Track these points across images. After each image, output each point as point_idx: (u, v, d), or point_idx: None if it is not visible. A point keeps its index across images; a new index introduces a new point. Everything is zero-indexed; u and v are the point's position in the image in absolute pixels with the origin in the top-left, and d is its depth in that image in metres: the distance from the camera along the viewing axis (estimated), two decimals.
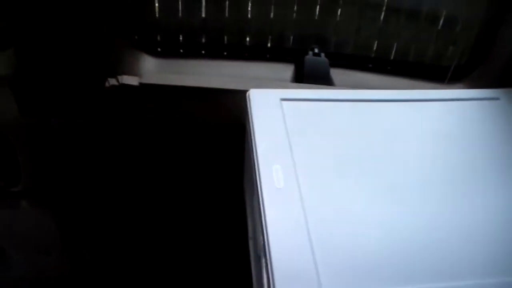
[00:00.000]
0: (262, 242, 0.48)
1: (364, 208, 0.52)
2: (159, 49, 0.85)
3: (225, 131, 0.80)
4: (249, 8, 0.83)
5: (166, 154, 0.88)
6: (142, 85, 0.75)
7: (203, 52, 0.87)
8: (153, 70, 0.83)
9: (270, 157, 0.57)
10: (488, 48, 0.82)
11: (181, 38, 0.86)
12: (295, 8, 0.83)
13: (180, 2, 0.82)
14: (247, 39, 0.87)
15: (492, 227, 0.52)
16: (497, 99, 0.70)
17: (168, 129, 0.84)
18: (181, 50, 0.87)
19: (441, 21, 0.84)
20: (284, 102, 0.66)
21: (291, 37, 0.87)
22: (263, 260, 0.48)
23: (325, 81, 0.81)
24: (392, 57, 0.88)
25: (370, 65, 0.88)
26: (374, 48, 0.87)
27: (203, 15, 0.83)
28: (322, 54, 0.83)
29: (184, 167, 0.89)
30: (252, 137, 0.60)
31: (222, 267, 0.97)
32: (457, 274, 0.47)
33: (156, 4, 0.82)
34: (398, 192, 0.55)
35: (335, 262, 0.46)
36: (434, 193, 0.56)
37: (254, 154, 0.57)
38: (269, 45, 0.87)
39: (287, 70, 0.85)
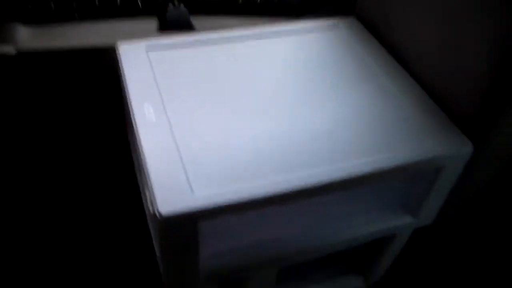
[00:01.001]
0: (142, 168, 0.61)
1: (225, 126, 0.66)
2: (32, 17, 0.91)
3: (104, 84, 0.89)
4: None
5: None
6: (18, 53, 0.82)
7: (75, 15, 0.94)
8: (30, 38, 0.89)
9: (141, 99, 0.69)
10: None
11: (52, 6, 0.92)
12: None
13: None
14: None
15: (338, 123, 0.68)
16: (336, 27, 0.87)
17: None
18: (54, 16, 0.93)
19: None
20: (150, 52, 0.78)
21: None
22: (144, 180, 0.60)
23: (187, 28, 0.93)
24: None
25: (230, 10, 1.00)
26: None
27: None
28: (182, 4, 0.94)
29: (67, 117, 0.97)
30: (125, 85, 0.71)
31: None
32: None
33: None
34: (259, 111, 0.69)
35: (203, 168, 0.60)
36: (288, 107, 0.71)
37: (128, 98, 0.69)
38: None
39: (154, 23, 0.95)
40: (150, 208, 0.58)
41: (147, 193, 0.60)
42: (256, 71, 0.77)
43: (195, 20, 0.96)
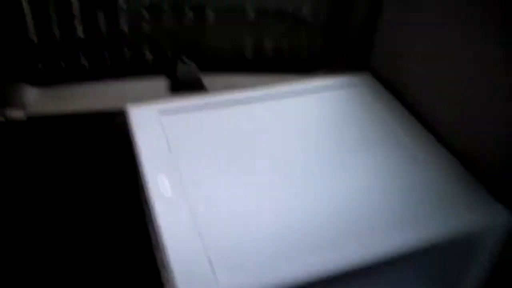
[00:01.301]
0: (160, 249, 0.56)
1: (247, 198, 0.62)
2: (42, 78, 0.88)
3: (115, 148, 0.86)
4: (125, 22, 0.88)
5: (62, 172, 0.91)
6: (29, 118, 0.79)
7: (85, 75, 0.91)
8: (39, 101, 0.86)
9: (155, 168, 0.65)
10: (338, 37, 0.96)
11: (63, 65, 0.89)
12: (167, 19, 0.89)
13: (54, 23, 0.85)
14: (126, 54, 0.92)
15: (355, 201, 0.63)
16: (354, 86, 0.84)
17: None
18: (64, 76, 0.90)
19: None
20: (162, 115, 0.75)
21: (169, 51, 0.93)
22: (163, 270, 0.55)
23: (198, 87, 0.90)
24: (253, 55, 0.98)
25: (241, 67, 0.98)
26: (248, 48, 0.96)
27: (80, 35, 0.87)
28: (192, 62, 0.92)
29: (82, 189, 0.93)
30: (137, 152, 0.68)
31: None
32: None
33: (31, 29, 0.84)
34: (279, 180, 0.65)
35: (228, 256, 0.54)
36: (309, 174, 0.67)
37: (141, 168, 0.65)
38: (146, 57, 0.93)
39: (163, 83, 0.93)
40: None
41: (165, 276, 0.55)
42: (274, 134, 0.74)
43: (205, 78, 0.93)
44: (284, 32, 0.95)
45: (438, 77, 0.73)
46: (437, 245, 0.59)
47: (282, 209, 0.61)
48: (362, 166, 0.68)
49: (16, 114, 0.79)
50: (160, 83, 0.92)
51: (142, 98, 0.78)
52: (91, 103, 0.84)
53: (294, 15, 0.95)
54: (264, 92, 0.82)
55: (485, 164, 0.66)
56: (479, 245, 0.62)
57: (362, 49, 0.93)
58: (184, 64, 0.91)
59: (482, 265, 0.66)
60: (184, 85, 0.89)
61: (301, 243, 0.57)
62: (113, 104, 0.82)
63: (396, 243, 0.57)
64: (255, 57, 0.98)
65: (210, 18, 0.90)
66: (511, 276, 0.67)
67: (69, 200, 0.92)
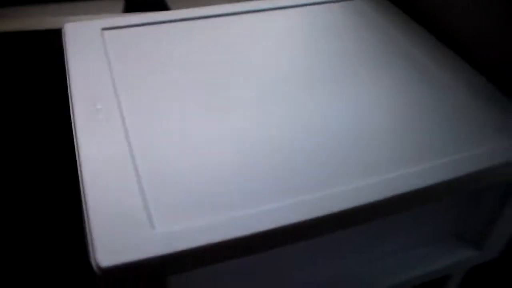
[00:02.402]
0: (81, 188, 0.39)
1: (200, 127, 0.45)
2: None
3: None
4: None
5: None
6: None
7: None
8: None
9: (87, 90, 0.48)
10: None
11: None
12: None
13: None
14: None
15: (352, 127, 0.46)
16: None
17: None
18: None
19: None
20: (106, 32, 0.57)
21: None
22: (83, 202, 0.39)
23: (161, 9, 0.72)
24: None
25: None
26: None
27: None
28: None
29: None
30: (68, 70, 0.50)
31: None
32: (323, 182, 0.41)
33: None
34: (252, 104, 0.48)
35: (170, 193, 0.38)
36: (294, 97, 0.50)
37: (69, 87, 0.48)
38: None
39: (116, 6, 0.75)
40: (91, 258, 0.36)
41: (87, 230, 0.38)
42: (249, 50, 0.57)
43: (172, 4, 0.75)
44: None
45: None
46: (470, 180, 0.42)
47: (256, 139, 0.44)
48: (365, 83, 0.52)
49: None
50: (115, 7, 0.75)
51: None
52: (30, 22, 0.66)
53: None
54: (241, 7, 0.64)
55: None
56: None
57: None
58: None
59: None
60: (144, 5, 0.71)
61: (283, 181, 0.40)
62: (52, 23, 0.65)
63: (422, 177, 0.41)
64: None
65: None
66: None
67: None
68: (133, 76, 0.51)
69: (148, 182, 0.38)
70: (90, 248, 0.34)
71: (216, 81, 0.51)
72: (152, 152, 0.42)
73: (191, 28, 0.59)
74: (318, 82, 0.51)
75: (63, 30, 0.57)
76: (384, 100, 0.49)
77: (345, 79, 0.52)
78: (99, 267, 0.32)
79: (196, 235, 0.34)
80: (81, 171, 0.39)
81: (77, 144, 0.42)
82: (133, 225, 0.35)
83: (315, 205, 0.37)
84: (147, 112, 0.46)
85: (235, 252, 0.36)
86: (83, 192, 0.37)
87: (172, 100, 0.48)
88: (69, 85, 0.49)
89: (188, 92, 0.49)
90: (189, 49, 0.56)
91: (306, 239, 0.39)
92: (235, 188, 0.39)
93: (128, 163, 0.40)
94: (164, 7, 0.72)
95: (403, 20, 0.63)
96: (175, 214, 0.36)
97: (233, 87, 0.50)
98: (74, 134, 0.43)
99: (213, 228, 0.35)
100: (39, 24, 0.67)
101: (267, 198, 0.38)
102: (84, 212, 0.36)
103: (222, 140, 0.43)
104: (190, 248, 0.34)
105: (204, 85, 0.50)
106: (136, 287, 0.35)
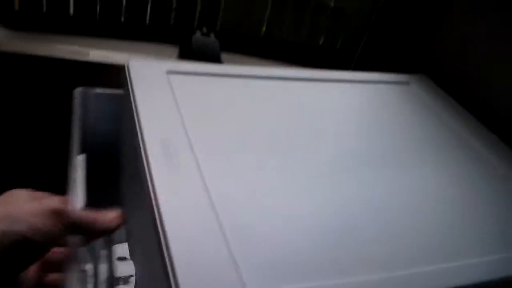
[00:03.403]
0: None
1: (278, 185, 0.43)
2: (17, 21, 0.70)
3: None
4: None
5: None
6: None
7: (70, 26, 0.73)
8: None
9: (158, 132, 0.46)
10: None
11: (44, 9, 0.71)
12: None
13: None
14: (122, 15, 0.75)
15: (424, 210, 0.45)
16: (407, 83, 0.67)
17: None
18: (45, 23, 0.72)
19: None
20: (171, 76, 0.56)
21: (173, 15, 0.77)
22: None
23: (214, 60, 0.72)
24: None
25: (267, 51, 0.81)
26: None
27: None
28: (212, 35, 0.74)
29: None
30: (135, 112, 0.49)
31: None
32: (391, 264, 0.39)
33: None
34: (324, 172, 0.47)
35: (256, 255, 0.36)
36: (353, 175, 0.48)
37: (138, 128, 0.46)
38: (147, 22, 0.75)
39: (171, 51, 0.74)
40: None
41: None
42: (312, 118, 0.56)
43: (226, 58, 0.75)
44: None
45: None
46: None
47: (332, 207, 0.42)
48: (428, 166, 0.51)
49: None
50: (163, 51, 0.74)
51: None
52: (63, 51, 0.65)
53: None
54: (302, 74, 0.64)
55: None
56: None
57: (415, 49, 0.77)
58: (202, 35, 0.73)
59: None
60: (199, 55, 0.70)
61: (345, 257, 0.38)
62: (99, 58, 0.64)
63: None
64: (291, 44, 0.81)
65: None
66: None
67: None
68: (202, 122, 0.49)
69: (233, 238, 0.36)
70: None
71: (284, 141, 0.50)
72: (232, 204, 0.39)
73: (255, 86, 0.59)
74: (382, 160, 0.50)
75: (127, 66, 0.56)
76: (447, 187, 0.48)
77: (408, 161, 0.51)
78: None
79: None
80: (159, 217, 0.36)
81: (152, 187, 0.39)
82: (224, 284, 0.32)
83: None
84: (222, 161, 0.44)
85: None
86: (163, 240, 0.35)
87: (244, 153, 0.46)
88: (138, 124, 0.47)
89: (259, 148, 0.48)
90: (255, 105, 0.55)
91: None
92: (324, 255, 0.37)
93: (210, 215, 0.37)
94: (218, 60, 0.71)
95: (457, 109, 0.63)
96: (266, 276, 0.34)
97: (303, 151, 0.49)
98: (145, 176, 0.41)
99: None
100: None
101: (359, 269, 0.36)
102: (166, 261, 0.33)
103: (303, 202, 0.42)
104: None
105: (274, 144, 0.49)
106: None
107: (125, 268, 0.61)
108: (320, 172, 0.46)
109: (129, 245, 0.59)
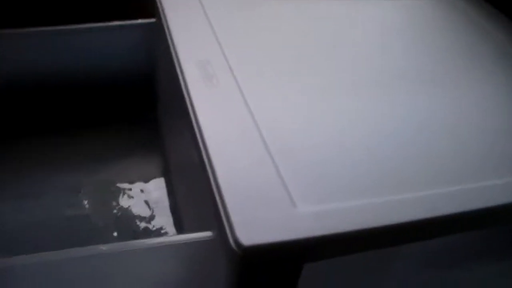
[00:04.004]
0: (198, 159, 0.35)
1: (320, 109, 0.41)
2: None
3: None
4: None
5: None
6: None
7: None
8: None
9: (194, 54, 0.43)
10: None
11: None
12: None
13: None
14: None
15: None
16: None
17: None
18: None
19: None
20: None
21: None
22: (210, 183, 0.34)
23: None
24: None
25: None
26: None
27: None
28: None
29: None
30: (168, 34, 0.46)
31: None
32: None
33: None
34: (356, 93, 0.43)
35: (303, 173, 0.34)
36: (393, 91, 0.44)
37: (173, 52, 0.44)
38: None
39: None
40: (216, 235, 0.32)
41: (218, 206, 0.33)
42: (352, 35, 0.52)
43: None
44: None
45: None
46: None
47: (377, 122, 0.40)
48: (475, 84, 0.46)
49: None
50: None
51: None
52: None
53: None
54: None
55: None
56: None
57: None
58: None
59: None
60: None
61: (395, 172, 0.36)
62: None
63: None
64: None
65: None
66: None
67: None
68: (238, 43, 0.47)
69: (279, 157, 0.34)
70: (225, 225, 0.30)
71: (324, 60, 0.47)
72: (276, 123, 0.37)
73: (291, 5, 0.55)
74: (431, 78, 0.46)
75: None
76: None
77: (454, 78, 0.47)
78: (240, 246, 0.28)
79: (345, 219, 0.30)
80: (203, 141, 0.35)
81: (192, 110, 0.38)
82: (273, 202, 0.31)
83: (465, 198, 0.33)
84: (261, 81, 0.42)
85: (382, 242, 0.32)
86: (207, 163, 0.34)
87: (283, 73, 0.44)
88: (172, 45, 0.45)
89: (298, 68, 0.45)
90: (291, 25, 0.52)
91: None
92: (370, 174, 0.35)
93: (255, 135, 0.36)
94: None
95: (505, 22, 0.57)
96: (315, 194, 0.32)
97: (344, 70, 0.46)
98: (185, 97, 0.39)
99: (361, 212, 0.31)
100: None
101: (412, 186, 0.34)
102: (212, 184, 0.32)
103: (346, 121, 0.39)
104: (339, 233, 0.30)
105: (314, 64, 0.46)
106: (273, 270, 0.31)
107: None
108: (363, 91, 0.43)
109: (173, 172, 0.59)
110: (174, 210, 0.58)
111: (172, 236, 0.38)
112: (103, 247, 0.35)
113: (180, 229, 0.56)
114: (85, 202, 0.60)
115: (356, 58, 0.48)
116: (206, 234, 0.35)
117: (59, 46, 0.62)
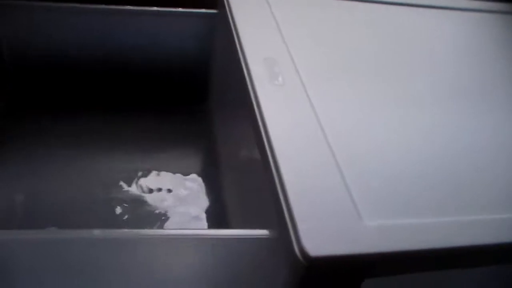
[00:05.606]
0: (262, 157, 0.35)
1: (389, 120, 0.40)
2: None
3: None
4: None
5: None
6: None
7: None
8: None
9: (259, 49, 0.43)
10: None
11: None
12: None
13: None
14: None
15: None
16: None
17: None
18: None
19: None
20: None
21: None
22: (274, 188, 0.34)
23: None
24: None
25: None
26: None
27: None
28: None
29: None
30: (234, 31, 0.46)
31: None
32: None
33: None
34: (421, 103, 0.43)
35: (370, 185, 0.33)
36: (457, 107, 0.43)
37: (238, 47, 0.43)
38: None
39: None
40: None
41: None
42: (415, 44, 0.51)
43: None
44: None
45: None
46: None
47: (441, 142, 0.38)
48: None
49: None
50: None
51: None
52: None
53: None
54: None
55: None
56: None
57: None
58: None
59: None
60: None
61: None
62: None
63: None
64: None
65: None
66: None
67: None
68: (304, 43, 0.46)
69: (346, 166, 0.34)
70: (289, 230, 0.29)
71: (386, 67, 0.46)
72: (342, 130, 0.37)
73: (356, 9, 0.54)
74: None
75: None
76: None
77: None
78: (306, 256, 0.28)
79: (411, 236, 0.30)
80: (268, 140, 0.35)
81: (258, 107, 0.37)
82: (339, 213, 0.30)
83: None
84: (326, 83, 0.41)
85: (447, 264, 0.31)
86: (272, 163, 0.33)
87: (347, 77, 0.43)
88: (238, 39, 0.44)
89: (361, 73, 0.44)
90: (356, 29, 0.51)
91: None
92: (442, 190, 0.34)
93: (321, 140, 0.35)
94: None
95: None
96: (381, 208, 0.31)
97: (407, 79, 0.45)
98: (250, 93, 0.39)
99: (427, 231, 0.30)
100: None
101: (484, 209, 0.33)
102: (277, 186, 0.32)
103: (416, 134, 0.38)
104: (408, 250, 0.29)
105: (377, 70, 0.45)
106: (335, 282, 0.30)
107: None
108: (437, 104, 0.42)
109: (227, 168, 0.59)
110: (221, 204, 0.58)
111: (223, 230, 0.38)
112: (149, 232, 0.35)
113: (224, 223, 0.56)
114: (130, 189, 0.60)
115: (426, 70, 0.47)
116: (262, 232, 0.35)
117: (116, 26, 0.62)
